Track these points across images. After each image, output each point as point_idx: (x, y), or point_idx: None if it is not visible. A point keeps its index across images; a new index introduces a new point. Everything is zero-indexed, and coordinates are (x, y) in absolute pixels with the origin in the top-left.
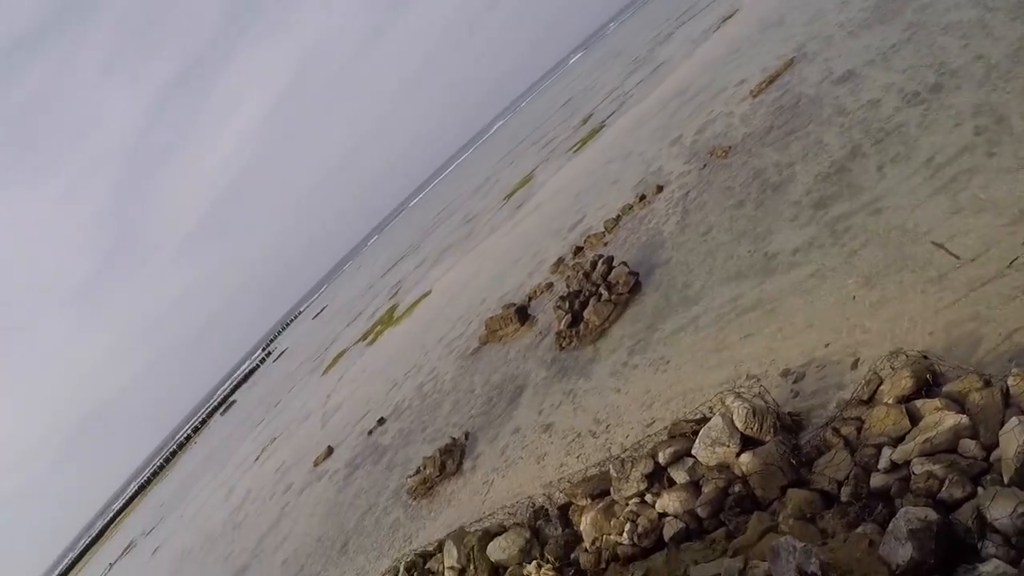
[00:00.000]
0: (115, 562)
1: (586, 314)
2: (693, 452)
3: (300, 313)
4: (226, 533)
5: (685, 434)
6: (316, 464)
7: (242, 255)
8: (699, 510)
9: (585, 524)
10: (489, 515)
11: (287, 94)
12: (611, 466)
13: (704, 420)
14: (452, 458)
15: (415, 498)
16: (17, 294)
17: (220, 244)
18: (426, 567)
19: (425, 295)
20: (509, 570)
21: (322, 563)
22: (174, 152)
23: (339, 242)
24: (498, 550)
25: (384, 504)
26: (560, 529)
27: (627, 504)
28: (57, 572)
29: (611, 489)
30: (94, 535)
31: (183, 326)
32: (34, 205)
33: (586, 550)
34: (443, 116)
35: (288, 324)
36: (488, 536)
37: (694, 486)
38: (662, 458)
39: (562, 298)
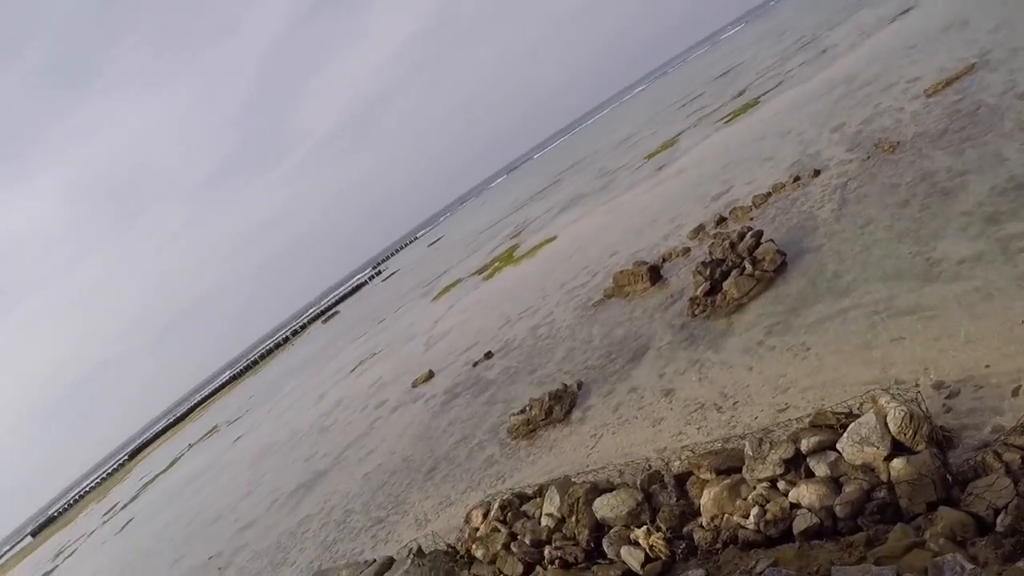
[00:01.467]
0: (195, 443)
1: (725, 285)
2: (838, 447)
3: (416, 239)
4: (311, 435)
5: (832, 426)
6: (414, 385)
7: (363, 176)
8: (837, 509)
9: (706, 499)
10: (595, 470)
11: (434, 23)
12: (747, 443)
13: (852, 415)
14: (561, 405)
15: (514, 438)
16: (140, 183)
17: (342, 163)
18: (522, 508)
19: (550, 239)
20: (614, 530)
21: (406, 483)
22: (309, 67)
23: (464, 177)
24: (605, 507)
25: (480, 438)
26: (675, 498)
27: (756, 487)
28: (140, 441)
29: (743, 468)
30: (179, 414)
31: (295, 235)
32: (167, 102)
33: (702, 526)
34: (590, 67)
35: (402, 248)
36: (596, 491)
37: (834, 482)
38: (804, 446)
39: (703, 264)
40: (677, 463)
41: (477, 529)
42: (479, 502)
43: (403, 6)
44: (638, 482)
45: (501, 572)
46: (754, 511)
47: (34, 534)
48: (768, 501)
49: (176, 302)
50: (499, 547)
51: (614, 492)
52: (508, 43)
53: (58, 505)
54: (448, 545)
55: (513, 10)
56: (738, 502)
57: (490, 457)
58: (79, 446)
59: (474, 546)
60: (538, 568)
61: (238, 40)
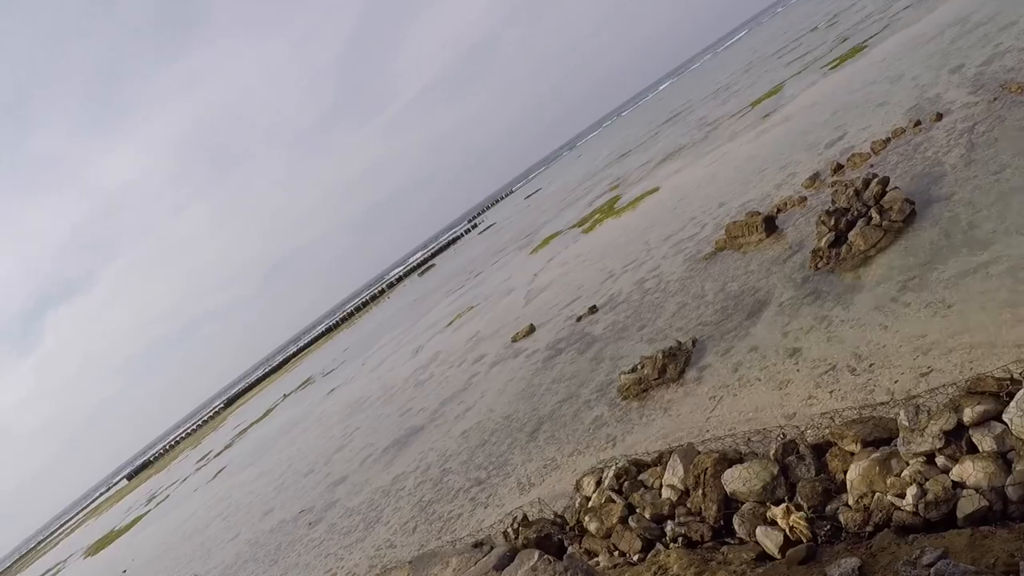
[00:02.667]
0: (289, 394)
1: (851, 236)
2: (1005, 418)
3: (512, 192)
4: (406, 390)
5: (995, 393)
6: (514, 340)
7: (460, 128)
8: (1009, 490)
9: (853, 474)
10: (719, 437)
11: None
12: (903, 412)
13: (1015, 381)
14: (675, 363)
15: (625, 398)
16: (243, 131)
17: (440, 114)
18: (639, 478)
19: (652, 191)
20: (746, 506)
21: (507, 444)
22: (408, 14)
23: (559, 130)
24: (737, 480)
25: (587, 397)
26: (814, 472)
27: (911, 462)
28: (236, 390)
29: (898, 440)
30: (276, 364)
31: (394, 186)
32: (270, 50)
33: (849, 505)
34: (683, 17)
35: (498, 200)
36: (725, 461)
37: (1002, 458)
38: (967, 416)
39: (828, 212)
40: (813, 432)
41: (588, 498)
42: (590, 468)
43: None
44: (771, 452)
45: (616, 548)
46: (911, 490)
47: (130, 477)
48: (927, 479)
49: (277, 252)
50: (615, 520)
51: (746, 464)
52: None
53: (154, 450)
54: (556, 514)
55: None
56: (891, 479)
57: (598, 418)
58: (179, 392)
59: (587, 518)
60: (658, 545)
61: None
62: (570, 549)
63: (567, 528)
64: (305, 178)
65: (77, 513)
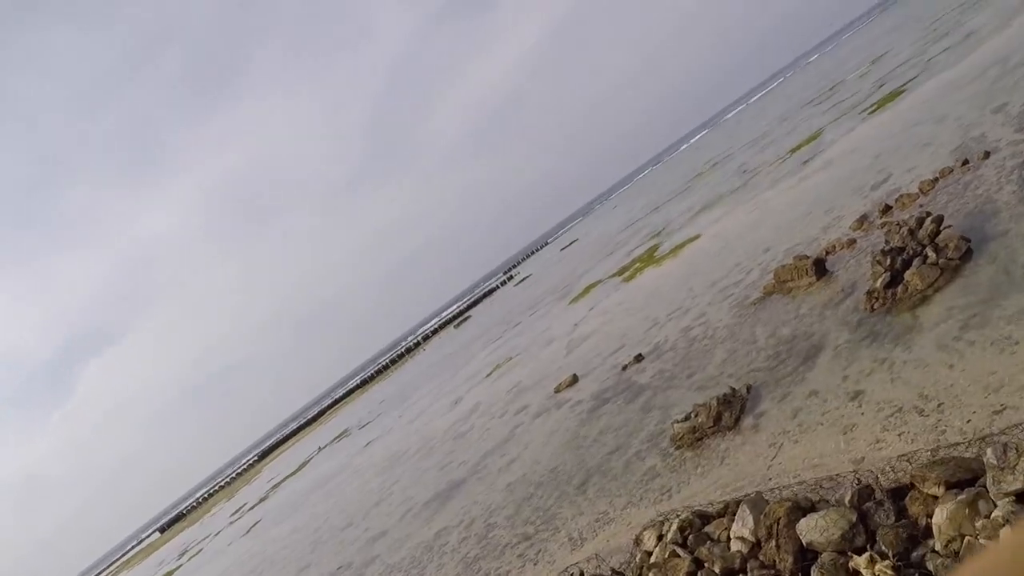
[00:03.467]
0: (325, 446)
1: (907, 275)
2: None
3: (547, 243)
4: (445, 442)
5: None
6: (557, 391)
7: (491, 181)
8: None
9: (939, 519)
10: (784, 486)
11: (563, 23)
12: (990, 450)
13: None
14: (731, 411)
15: (678, 447)
16: (272, 189)
17: (470, 169)
18: (704, 530)
19: (693, 239)
20: (825, 556)
21: (554, 497)
22: (438, 71)
23: (595, 181)
24: (813, 529)
25: (637, 448)
26: (893, 518)
27: (1001, 502)
28: (270, 443)
29: (986, 480)
30: (310, 417)
31: (426, 239)
32: (300, 109)
33: (936, 551)
34: (717, 65)
35: (533, 252)
36: (798, 509)
37: None
38: None
39: (883, 252)
40: (888, 476)
41: (650, 553)
42: (650, 521)
43: (531, 6)
44: (847, 499)
45: None
46: (1004, 531)
47: (162, 530)
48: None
49: (307, 306)
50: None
51: (821, 512)
52: (634, 43)
53: (187, 503)
54: (614, 571)
55: (639, 9)
56: (980, 521)
57: (651, 469)
58: (210, 444)
59: (650, 575)
60: None
61: (368, 46)
62: None
63: None
64: (336, 231)
65: (109, 566)
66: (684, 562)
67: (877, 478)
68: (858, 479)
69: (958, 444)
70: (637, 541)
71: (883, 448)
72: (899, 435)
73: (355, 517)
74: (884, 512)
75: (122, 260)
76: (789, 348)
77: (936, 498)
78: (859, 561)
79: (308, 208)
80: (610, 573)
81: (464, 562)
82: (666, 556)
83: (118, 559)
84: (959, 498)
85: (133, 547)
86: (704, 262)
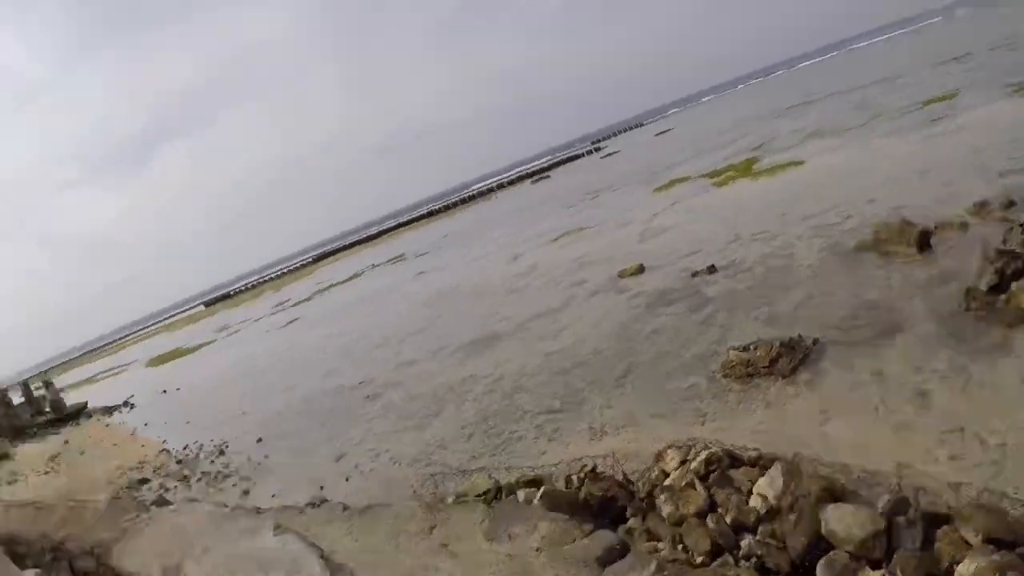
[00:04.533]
0: (378, 265)
1: (1014, 287)
2: None
3: (642, 125)
4: (495, 293)
5: None
6: (621, 276)
7: (604, 47)
8: None
9: (965, 570)
10: (823, 462)
11: None
12: None
13: None
14: (791, 358)
15: (726, 375)
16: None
17: (588, 30)
18: (729, 472)
19: (796, 163)
20: (838, 554)
21: (588, 380)
22: None
23: (707, 74)
24: (838, 520)
25: (685, 360)
26: (918, 543)
27: None
28: (327, 248)
29: None
30: (370, 234)
31: (523, 93)
32: None
33: None
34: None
35: (625, 130)
36: (830, 493)
37: None
38: None
39: (999, 252)
40: (929, 498)
41: (667, 474)
42: (676, 440)
43: None
44: (879, 504)
45: (681, 540)
46: None
47: (207, 304)
48: None
49: (403, 125)
50: (691, 510)
51: (854, 507)
52: None
53: (236, 285)
54: (625, 476)
55: None
56: None
57: (693, 387)
58: (271, 239)
59: (661, 496)
60: (727, 556)
61: None
62: (631, 522)
63: (635, 498)
64: (441, 62)
65: (152, 324)
66: (699, 496)
67: (917, 494)
68: (899, 486)
69: (1010, 498)
70: (659, 457)
71: (931, 464)
72: (951, 457)
73: (390, 339)
74: (912, 535)
75: (220, 57)
76: (869, 314)
77: (970, 545)
78: None
79: (415, 31)
80: (621, 477)
81: (482, 415)
82: (683, 484)
83: (162, 319)
84: (992, 557)
85: (176, 314)
86: (802, 192)
